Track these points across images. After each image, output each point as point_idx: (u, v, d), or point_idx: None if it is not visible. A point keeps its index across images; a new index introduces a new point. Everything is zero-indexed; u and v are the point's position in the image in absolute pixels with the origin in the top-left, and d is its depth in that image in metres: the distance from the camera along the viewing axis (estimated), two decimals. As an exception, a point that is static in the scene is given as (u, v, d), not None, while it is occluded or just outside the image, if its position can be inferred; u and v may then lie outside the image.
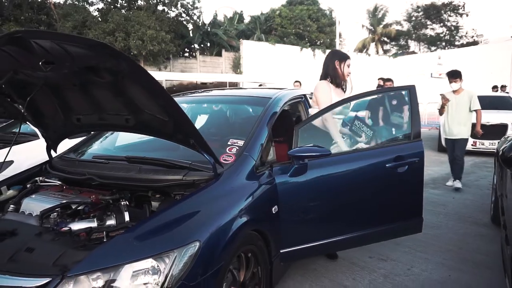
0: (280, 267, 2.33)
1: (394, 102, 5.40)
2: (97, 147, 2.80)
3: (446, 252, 3.11)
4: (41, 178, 2.35)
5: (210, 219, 1.70)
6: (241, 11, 28.10)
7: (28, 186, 2.27)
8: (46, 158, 2.58)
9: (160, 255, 1.45)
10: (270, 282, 2.18)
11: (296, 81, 8.63)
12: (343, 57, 3.05)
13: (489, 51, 21.45)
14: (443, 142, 7.03)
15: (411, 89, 2.68)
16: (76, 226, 1.73)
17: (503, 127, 7.22)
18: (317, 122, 2.71)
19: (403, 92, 2.84)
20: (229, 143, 2.27)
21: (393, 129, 3.81)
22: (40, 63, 1.68)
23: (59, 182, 2.32)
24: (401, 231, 2.69)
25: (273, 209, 2.17)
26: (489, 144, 7.16)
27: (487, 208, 4.20)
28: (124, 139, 2.99)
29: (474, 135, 5.09)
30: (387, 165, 2.47)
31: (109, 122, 2.13)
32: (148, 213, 1.84)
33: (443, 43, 30.58)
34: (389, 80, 6.72)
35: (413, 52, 30.50)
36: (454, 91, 5.07)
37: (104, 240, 1.66)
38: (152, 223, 1.60)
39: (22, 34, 1.55)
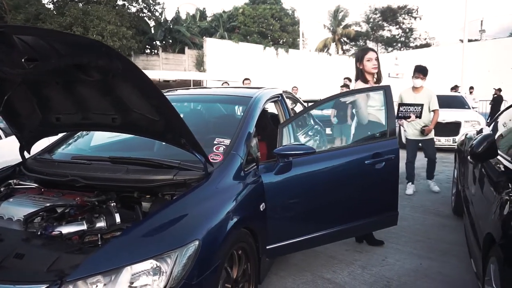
0: (266, 263, 2.38)
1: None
2: (73, 148, 2.69)
3: (415, 242, 3.31)
4: (15, 180, 2.24)
5: (207, 218, 1.71)
6: (204, 9, 27.86)
7: (1, 189, 2.15)
8: (11, 159, 2.45)
9: (162, 255, 1.45)
10: (258, 278, 2.22)
11: (246, 79, 8.27)
12: (360, 56, 3.20)
13: (441, 53, 22.80)
14: (403, 139, 7.38)
15: (386, 89, 2.81)
16: (65, 229, 1.67)
17: (457, 125, 7.73)
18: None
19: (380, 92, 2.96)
20: (215, 142, 2.28)
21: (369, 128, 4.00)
22: (22, 60, 1.61)
23: (36, 185, 2.22)
24: (378, 225, 2.84)
25: (260, 206, 2.21)
26: (445, 141, 7.63)
27: (448, 201, 4.49)
28: (99, 138, 2.91)
29: (423, 131, 4.73)
30: (366, 161, 2.59)
31: (93, 122, 2.07)
32: (140, 214, 1.81)
33: (399, 45, 32.12)
34: None
35: (371, 53, 31.72)
36: (414, 89, 4.74)
37: (99, 243, 1.62)
38: (149, 224, 1.58)
39: (4, 29, 1.48)
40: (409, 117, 3.86)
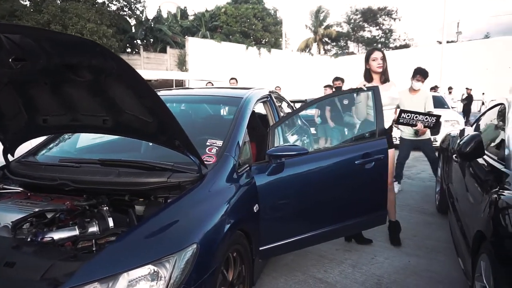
0: (258, 264, 2.38)
1: (346, 102, 5.58)
2: (59, 150, 2.62)
3: (403, 240, 3.36)
4: None
5: (203, 221, 1.69)
6: (185, 7, 27.58)
7: (-16, 194, 2.06)
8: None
9: (160, 260, 1.41)
10: (252, 280, 2.21)
11: (232, 78, 8.11)
12: (367, 56, 3.29)
13: (420, 54, 23.30)
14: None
15: (374, 90, 2.86)
16: (57, 235, 1.62)
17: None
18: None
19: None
20: (207, 143, 2.25)
21: (356, 128, 4.03)
22: (9, 60, 1.55)
23: (21, 189, 2.14)
24: (368, 224, 2.88)
25: (254, 207, 2.20)
26: (426, 140, 7.78)
27: (431, 199, 4.60)
28: (85, 139, 2.84)
29: (417, 132, 4.50)
30: (356, 161, 2.62)
31: (82, 123, 2.01)
32: (134, 218, 1.77)
33: (379, 45, 32.68)
34: (338, 79, 7.01)
35: (352, 53, 32.21)
36: (411, 90, 4.66)
37: (94, 249, 1.58)
38: (145, 228, 1.55)
39: None
40: (415, 125, 3.42)
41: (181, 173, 1.92)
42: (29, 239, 1.60)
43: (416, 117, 3.29)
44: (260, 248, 2.32)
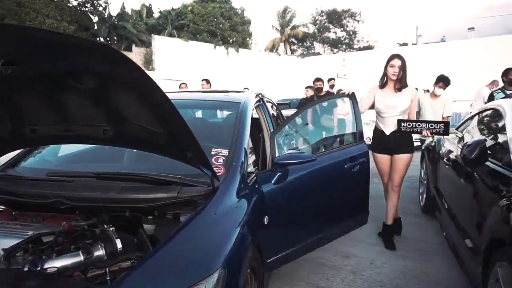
0: (266, 277, 2.27)
1: (325, 104, 5.57)
2: (42, 160, 2.37)
3: (396, 243, 3.38)
4: None
5: (225, 241, 1.55)
6: (150, 5, 26.79)
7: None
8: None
9: None
10: (261, 294, 2.10)
11: (203, 79, 7.43)
12: (387, 61, 3.25)
13: (384, 55, 24.02)
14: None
15: (351, 97, 3.01)
16: (60, 263, 1.42)
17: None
18: None
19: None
20: (212, 152, 2.11)
21: (342, 131, 4.03)
22: None
23: (3, 207, 1.90)
24: (354, 225, 2.98)
25: (264, 220, 2.10)
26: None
27: (416, 200, 4.70)
28: (67, 147, 2.59)
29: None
30: (345, 165, 2.68)
31: (78, 134, 1.80)
32: (146, 238, 1.60)
33: (344, 46, 33.51)
34: (319, 80, 7.05)
35: (318, 53, 32.74)
36: (432, 96, 4.98)
37: (108, 278, 1.40)
38: (166, 254, 1.39)
39: None
40: (420, 132, 3.21)
41: (191, 187, 1.77)
42: (26, 269, 1.39)
43: (419, 125, 3.19)
44: (268, 261, 2.22)
